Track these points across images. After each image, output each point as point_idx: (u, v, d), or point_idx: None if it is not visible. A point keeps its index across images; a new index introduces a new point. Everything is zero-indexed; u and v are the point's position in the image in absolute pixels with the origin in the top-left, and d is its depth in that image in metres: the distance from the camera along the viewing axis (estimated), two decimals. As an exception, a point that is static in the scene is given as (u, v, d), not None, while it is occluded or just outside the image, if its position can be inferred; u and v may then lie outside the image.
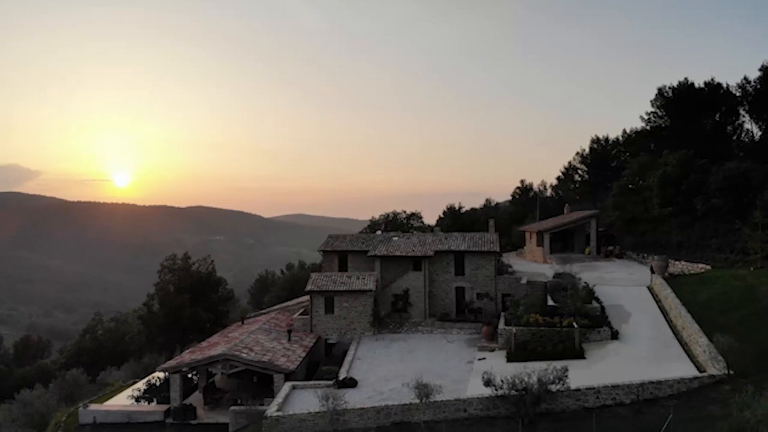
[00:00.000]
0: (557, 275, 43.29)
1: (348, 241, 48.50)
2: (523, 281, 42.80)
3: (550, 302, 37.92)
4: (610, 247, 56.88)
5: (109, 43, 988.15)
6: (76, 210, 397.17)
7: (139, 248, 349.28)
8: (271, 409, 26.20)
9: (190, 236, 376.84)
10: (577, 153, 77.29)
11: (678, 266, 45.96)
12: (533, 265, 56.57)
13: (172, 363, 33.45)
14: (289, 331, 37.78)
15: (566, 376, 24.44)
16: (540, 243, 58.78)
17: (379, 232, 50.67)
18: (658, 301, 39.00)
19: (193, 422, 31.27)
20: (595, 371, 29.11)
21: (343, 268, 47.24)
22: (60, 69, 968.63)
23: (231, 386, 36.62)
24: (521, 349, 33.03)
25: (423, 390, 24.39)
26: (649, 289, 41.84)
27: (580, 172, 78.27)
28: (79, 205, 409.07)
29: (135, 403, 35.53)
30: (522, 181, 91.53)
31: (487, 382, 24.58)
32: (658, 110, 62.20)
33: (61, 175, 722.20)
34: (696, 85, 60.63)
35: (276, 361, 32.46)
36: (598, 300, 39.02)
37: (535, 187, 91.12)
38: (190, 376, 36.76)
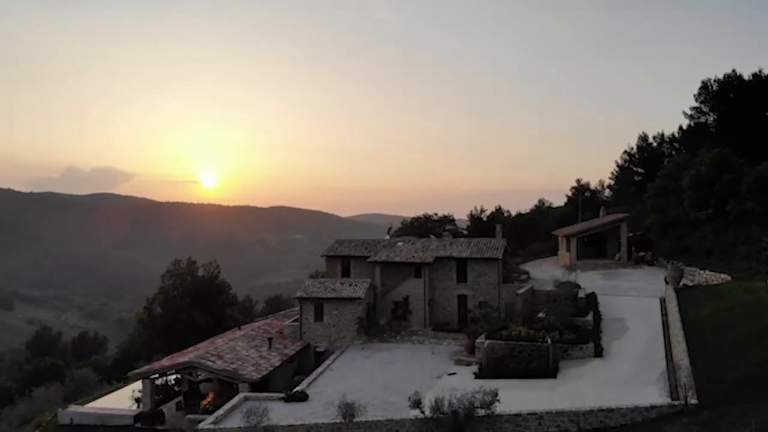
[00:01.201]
0: (560, 284, 40.78)
1: (352, 247, 47.77)
2: (521, 291, 40.54)
3: (541, 314, 35.70)
4: (641, 253, 53.13)
5: (194, 50, 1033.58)
6: (165, 210, 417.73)
7: (224, 247, 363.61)
8: (207, 421, 26.00)
9: (271, 235, 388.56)
10: (625, 151, 72.85)
11: (703, 276, 42.22)
12: (561, 271, 53.72)
13: (143, 369, 34.08)
14: (270, 339, 37.56)
15: (497, 400, 22.71)
16: (569, 248, 55.81)
17: (387, 237, 49.61)
18: (664, 315, 35.93)
19: (160, 428, 31.60)
20: (558, 393, 27.03)
21: (346, 274, 46.63)
22: (151, 76, 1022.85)
23: (214, 392, 36.78)
24: (494, 364, 31.21)
25: (347, 409, 23.39)
26: (663, 301, 38.64)
27: (627, 171, 73.78)
28: (169, 205, 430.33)
29: (136, 404, 36.39)
30: (578, 181, 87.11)
31: (415, 404, 23.24)
32: (702, 105, 57.53)
33: (152, 177, 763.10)
34: (745, 78, 55.62)
35: (242, 370, 32.26)
36: (596, 312, 36.48)
37: (593, 186, 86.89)
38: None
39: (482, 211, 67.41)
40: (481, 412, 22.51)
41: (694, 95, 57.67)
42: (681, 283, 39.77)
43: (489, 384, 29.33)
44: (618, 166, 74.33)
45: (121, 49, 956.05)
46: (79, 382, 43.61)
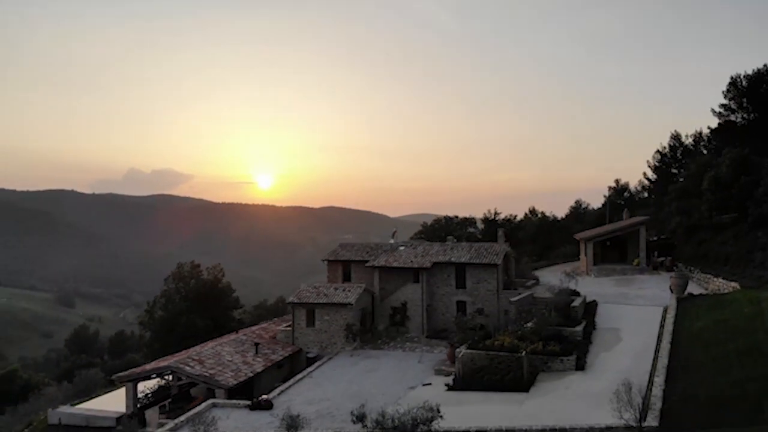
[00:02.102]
0: (558, 292, 39.14)
1: (354, 251, 47.46)
2: (515, 298, 39.15)
3: (529, 324, 34.36)
4: (660, 259, 50.64)
5: (249, 53, 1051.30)
6: (222, 210, 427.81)
7: (277, 246, 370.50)
8: (166, 427, 26.09)
9: (322, 235, 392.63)
10: (657, 151, 69.69)
11: (715, 283, 39.91)
12: (582, 278, 51.84)
13: (125, 373, 34.64)
14: (257, 344, 37.54)
15: (440, 416, 21.75)
16: (586, 252, 53.81)
17: (391, 241, 48.93)
18: (662, 326, 33.97)
19: (139, 430, 32.00)
20: (524, 408, 25.85)
21: (347, 278, 46.36)
22: (209, 80, 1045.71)
23: (203, 396, 37.04)
24: (471, 375, 30.18)
25: (291, 421, 22.94)
26: (666, 310, 36.59)
27: (662, 172, 70.56)
28: (225, 206, 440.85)
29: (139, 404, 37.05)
30: (617, 181, 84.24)
31: (358, 418, 22.54)
32: (731, 102, 54.37)
33: (210, 179, 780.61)
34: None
35: (219, 375, 32.32)
36: (590, 322, 34.93)
37: (632, 187, 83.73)
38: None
39: (496, 213, 65.71)
40: (424, 428, 21.61)
41: (723, 92, 54.57)
42: (686, 292, 37.58)
43: (457, 396, 28.74)
44: (650, 166, 71.20)
45: (180, 54, 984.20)
46: (87, 382, 44.78)
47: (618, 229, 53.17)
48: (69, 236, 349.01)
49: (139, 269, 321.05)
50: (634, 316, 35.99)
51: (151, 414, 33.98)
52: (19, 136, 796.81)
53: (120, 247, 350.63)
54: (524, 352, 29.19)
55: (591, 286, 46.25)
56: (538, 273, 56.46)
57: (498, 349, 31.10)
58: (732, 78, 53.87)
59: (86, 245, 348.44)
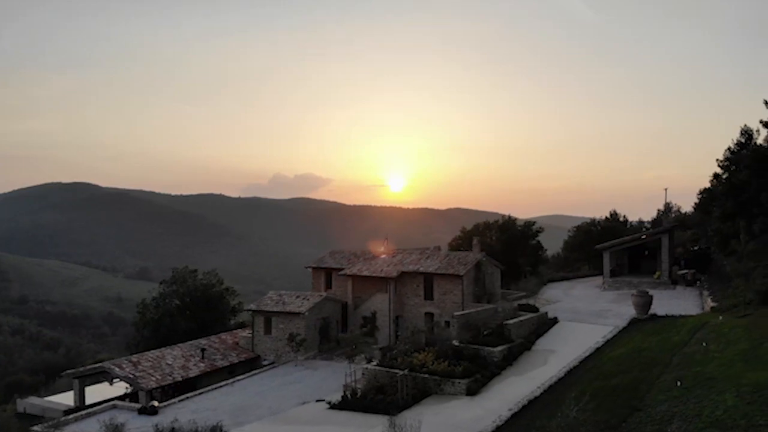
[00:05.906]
0: (513, 308, 36.04)
1: (338, 258, 47.10)
2: (459, 312, 36.52)
3: (455, 341, 32.02)
4: (683, 272, 44.77)
5: (386, 60, 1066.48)
6: (352, 212, 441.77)
7: (401, 247, 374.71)
8: (40, 425, 27.67)
9: (446, 236, 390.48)
10: (728, 148, 61.27)
11: (709, 304, 34.68)
12: (593, 291, 47.40)
13: (72, 370, 37.03)
14: (203, 350, 38.46)
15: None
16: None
17: (381, 248, 47.86)
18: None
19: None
20: (370, 435, 24.27)
21: (329, 286, 46.14)
22: (349, 90, 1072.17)
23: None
24: (367, 394, 28.68)
25: (111, 429, 23.43)
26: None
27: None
28: (355, 208, 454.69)
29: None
30: (712, 181, 75.64)
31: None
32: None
33: (346, 182, 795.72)
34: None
35: (143, 378, 33.61)
36: (527, 342, 31.91)
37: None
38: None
39: (510, 218, 60.84)
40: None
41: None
42: (649, 312, 32.94)
43: (327, 416, 27.60)
44: (720, 165, 62.76)
45: (324, 66, 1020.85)
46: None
47: (634, 239, 47.78)
48: (217, 236, 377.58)
49: (278, 267, 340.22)
50: (583, 338, 32.16)
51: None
52: (175, 146, 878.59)
53: (261, 247, 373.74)
54: (402, 373, 27.40)
55: (581, 300, 42.32)
56: (567, 285, 51.95)
57: (401, 368, 29.42)
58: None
59: (232, 245, 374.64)
